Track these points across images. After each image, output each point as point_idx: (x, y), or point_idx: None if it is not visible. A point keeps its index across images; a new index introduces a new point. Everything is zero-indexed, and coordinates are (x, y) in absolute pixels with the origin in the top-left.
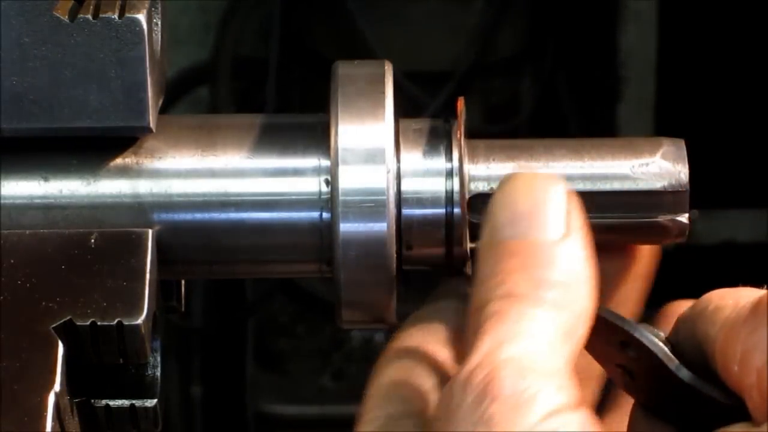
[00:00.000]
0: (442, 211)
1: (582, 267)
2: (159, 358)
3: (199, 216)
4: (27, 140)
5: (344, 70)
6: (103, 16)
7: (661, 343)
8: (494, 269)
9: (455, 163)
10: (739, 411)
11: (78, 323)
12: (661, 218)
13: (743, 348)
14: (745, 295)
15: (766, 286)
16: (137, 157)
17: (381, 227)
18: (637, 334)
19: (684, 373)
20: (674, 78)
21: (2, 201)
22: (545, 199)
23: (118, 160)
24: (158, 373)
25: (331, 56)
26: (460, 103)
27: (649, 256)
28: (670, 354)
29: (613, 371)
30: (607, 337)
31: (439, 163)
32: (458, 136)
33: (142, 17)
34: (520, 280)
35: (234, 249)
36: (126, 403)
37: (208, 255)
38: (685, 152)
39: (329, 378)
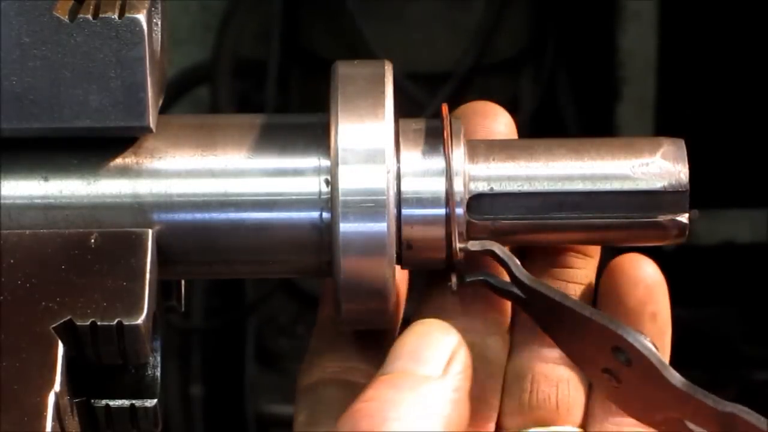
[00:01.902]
0: (442, 211)
1: (449, 408)
2: (159, 358)
3: (199, 216)
4: (27, 140)
5: (344, 70)
6: (103, 16)
7: (654, 348)
8: (373, 394)
9: (453, 163)
10: (731, 419)
11: (78, 323)
12: (661, 218)
13: None
14: None
15: None
16: (137, 157)
17: (381, 227)
18: (630, 339)
19: (677, 380)
20: (674, 78)
21: (2, 201)
22: (431, 341)
23: (118, 160)
24: (158, 373)
25: (331, 56)
26: (444, 109)
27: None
28: (663, 360)
29: (598, 376)
30: (597, 341)
31: (439, 163)
32: (444, 135)
33: (142, 17)
34: (393, 404)
35: (234, 249)
36: (126, 403)
37: (208, 255)
38: (685, 152)
39: None
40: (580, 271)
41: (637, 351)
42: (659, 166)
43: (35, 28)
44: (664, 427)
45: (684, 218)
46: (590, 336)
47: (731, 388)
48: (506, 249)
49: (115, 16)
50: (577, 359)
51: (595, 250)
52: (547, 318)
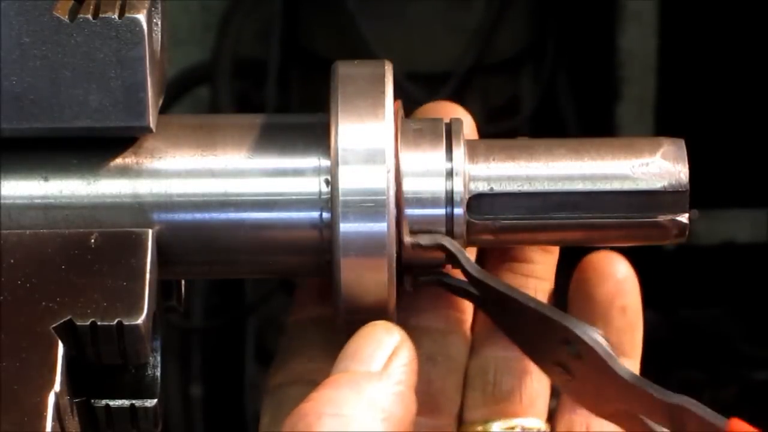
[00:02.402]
0: (442, 211)
1: (390, 401)
2: (159, 358)
3: (199, 216)
4: (27, 140)
5: (344, 70)
6: (103, 16)
7: (603, 341)
8: (314, 395)
9: (453, 163)
10: (678, 411)
11: (78, 323)
12: (661, 218)
13: None
14: None
15: None
16: (137, 157)
17: (381, 227)
18: (578, 331)
19: (625, 372)
20: (674, 78)
21: (2, 201)
22: (373, 341)
23: (118, 160)
24: (158, 373)
25: (331, 56)
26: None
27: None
28: (612, 352)
29: (551, 369)
30: (547, 334)
31: (439, 163)
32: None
33: (142, 17)
34: (331, 401)
35: (234, 249)
36: (126, 403)
37: (208, 255)
38: (685, 152)
39: None
40: (539, 266)
41: (585, 343)
42: (659, 166)
43: (35, 28)
44: (615, 419)
45: (684, 218)
46: (540, 329)
47: (731, 387)
48: (456, 242)
49: (115, 16)
50: (530, 352)
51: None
52: (499, 313)
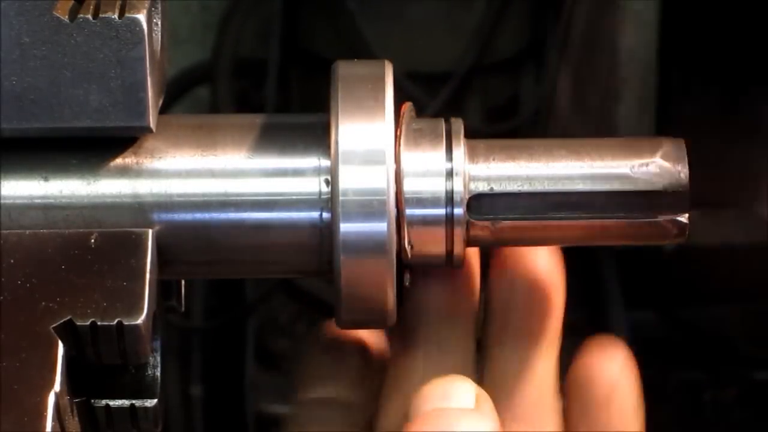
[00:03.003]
0: (442, 211)
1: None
2: (159, 358)
3: (199, 216)
4: (27, 140)
5: (344, 69)
6: (103, 16)
7: None
8: (417, 428)
9: (453, 163)
10: None
11: (78, 323)
12: (661, 218)
13: None
14: None
15: None
16: (137, 157)
17: (381, 227)
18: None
19: None
20: (674, 78)
21: (2, 201)
22: (453, 383)
23: (118, 160)
24: (158, 373)
25: (331, 56)
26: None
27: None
28: None
29: None
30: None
31: (439, 163)
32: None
33: (142, 17)
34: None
35: (234, 249)
36: (126, 403)
37: (208, 255)
38: (685, 152)
39: None
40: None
41: None
42: (659, 166)
43: (35, 28)
44: None
45: (684, 218)
46: None
47: (731, 388)
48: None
49: (115, 16)
50: None
51: None
52: None
